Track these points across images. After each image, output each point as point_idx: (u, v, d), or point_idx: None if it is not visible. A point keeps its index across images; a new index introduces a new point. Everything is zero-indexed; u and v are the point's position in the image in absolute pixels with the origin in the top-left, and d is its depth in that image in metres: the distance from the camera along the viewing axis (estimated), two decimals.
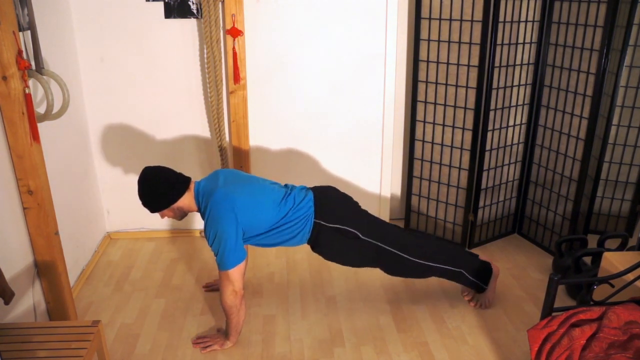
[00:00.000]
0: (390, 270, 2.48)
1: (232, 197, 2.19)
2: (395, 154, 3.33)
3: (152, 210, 2.28)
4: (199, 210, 2.29)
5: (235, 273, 2.18)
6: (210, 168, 3.17)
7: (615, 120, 3.01)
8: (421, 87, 3.01)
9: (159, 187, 2.23)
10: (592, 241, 2.84)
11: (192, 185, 2.30)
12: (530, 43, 2.89)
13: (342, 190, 3.28)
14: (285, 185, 2.43)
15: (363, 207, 2.46)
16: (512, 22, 2.76)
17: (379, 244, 2.36)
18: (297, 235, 2.33)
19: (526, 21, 2.82)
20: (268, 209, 2.27)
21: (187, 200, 2.27)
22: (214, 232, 2.16)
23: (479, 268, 2.55)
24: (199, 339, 2.36)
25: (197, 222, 3.30)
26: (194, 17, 2.87)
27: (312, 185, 2.49)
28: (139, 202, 2.27)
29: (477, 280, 2.54)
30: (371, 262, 2.45)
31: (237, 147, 3.05)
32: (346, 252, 2.39)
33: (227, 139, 3.08)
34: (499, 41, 2.75)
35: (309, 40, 2.97)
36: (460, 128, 2.93)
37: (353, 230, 2.33)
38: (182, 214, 2.33)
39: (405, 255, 2.39)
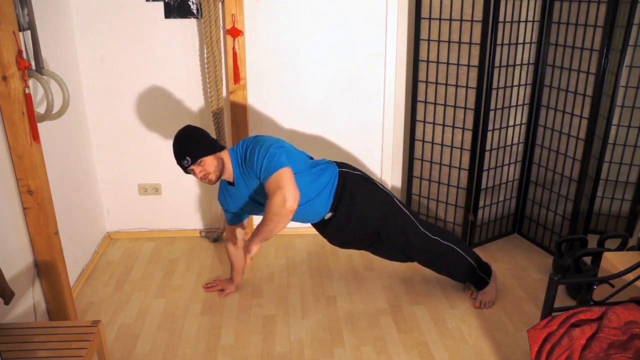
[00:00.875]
0: (396, 234, 2.45)
1: (276, 138, 2.30)
2: (395, 154, 3.33)
3: (193, 159, 2.20)
4: (240, 164, 2.26)
5: (285, 174, 2.10)
6: None
7: (615, 120, 3.01)
8: (421, 87, 3.01)
9: (199, 137, 2.25)
10: (592, 241, 2.84)
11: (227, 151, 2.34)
12: (530, 43, 2.89)
13: None
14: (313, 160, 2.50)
15: None
16: (512, 22, 2.76)
17: (392, 200, 2.44)
18: (325, 188, 2.32)
19: (526, 21, 2.82)
20: (304, 163, 2.34)
21: (226, 156, 2.28)
22: (261, 145, 2.18)
23: (477, 260, 2.58)
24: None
25: (197, 222, 3.30)
26: (194, 17, 2.87)
27: None
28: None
29: (482, 272, 2.57)
30: (381, 222, 2.42)
31: None
32: (369, 205, 2.38)
33: (227, 138, 3.08)
34: (499, 41, 2.75)
35: (309, 40, 2.97)
36: (460, 128, 2.93)
37: (374, 182, 2.43)
38: (220, 170, 2.26)
39: (420, 226, 2.46)
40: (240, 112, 2.98)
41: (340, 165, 2.44)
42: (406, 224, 2.45)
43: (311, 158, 2.47)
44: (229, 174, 2.32)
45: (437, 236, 2.50)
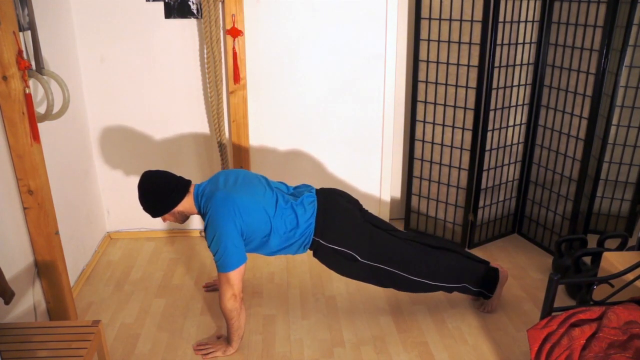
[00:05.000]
0: (390, 287, 2.46)
1: (232, 199, 2.15)
2: (395, 154, 3.33)
3: (153, 215, 2.26)
4: (199, 213, 2.27)
5: (235, 276, 2.14)
6: (210, 168, 3.17)
7: (615, 120, 3.01)
8: (421, 87, 3.01)
9: (158, 192, 2.21)
10: (592, 241, 2.84)
11: (192, 189, 2.27)
12: (530, 43, 2.89)
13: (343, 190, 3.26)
14: (294, 189, 2.38)
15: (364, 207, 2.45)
16: (512, 22, 2.76)
17: (379, 265, 2.33)
18: (296, 247, 2.30)
19: (526, 21, 2.82)
20: (269, 216, 2.21)
21: (187, 203, 2.24)
22: (212, 233, 2.14)
23: (484, 277, 2.50)
24: (200, 346, 2.33)
25: (197, 222, 3.30)
26: (194, 17, 2.87)
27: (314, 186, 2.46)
28: (139, 202, 2.27)
29: (482, 289, 2.51)
30: (370, 281, 2.42)
31: (237, 147, 3.05)
32: (343, 271, 2.38)
33: (227, 138, 3.09)
34: (499, 41, 2.75)
35: (309, 40, 2.97)
36: (460, 128, 2.93)
37: (351, 253, 2.29)
38: (183, 218, 2.31)
39: (407, 275, 2.36)
40: (240, 112, 2.98)
41: (319, 220, 2.26)
42: (396, 281, 2.39)
43: (290, 192, 2.36)
44: (195, 213, 2.31)
45: (434, 280, 2.39)
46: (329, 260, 2.35)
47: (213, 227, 2.14)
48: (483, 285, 2.51)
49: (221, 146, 3.02)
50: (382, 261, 2.32)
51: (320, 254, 2.33)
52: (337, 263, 2.34)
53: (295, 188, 2.40)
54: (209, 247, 2.18)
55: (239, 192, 2.20)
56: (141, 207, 2.25)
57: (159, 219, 3.25)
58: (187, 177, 2.35)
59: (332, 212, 2.30)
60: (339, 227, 2.29)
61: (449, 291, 2.48)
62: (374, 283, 2.43)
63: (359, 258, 2.30)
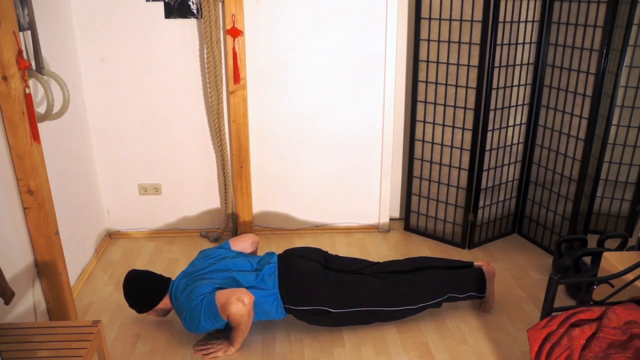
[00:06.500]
0: (375, 322, 2.45)
1: (197, 291, 2.25)
2: (395, 154, 3.33)
3: (139, 312, 2.39)
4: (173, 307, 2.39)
5: (221, 295, 2.21)
6: (209, 168, 3.17)
7: (615, 120, 3.01)
8: (421, 87, 3.01)
9: (142, 293, 2.36)
10: (592, 241, 2.84)
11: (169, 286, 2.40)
12: (530, 43, 2.89)
13: (343, 190, 3.27)
14: (257, 263, 2.43)
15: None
16: (512, 22, 2.76)
17: (355, 309, 2.33)
18: (276, 314, 2.33)
19: (526, 21, 2.82)
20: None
21: (167, 300, 2.38)
22: (196, 324, 2.23)
23: (469, 281, 2.48)
24: (200, 346, 2.34)
25: (197, 222, 3.30)
26: (194, 17, 2.87)
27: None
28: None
29: (470, 293, 2.48)
30: (354, 323, 2.43)
31: (236, 147, 3.05)
32: (324, 324, 2.40)
33: (227, 138, 3.09)
34: (499, 41, 2.75)
35: (309, 40, 2.97)
36: (460, 128, 2.93)
37: (323, 308, 2.32)
38: (164, 313, 2.42)
39: (386, 309, 2.37)
40: (240, 112, 2.98)
41: (282, 289, 2.31)
42: (378, 316, 2.41)
43: (254, 269, 2.40)
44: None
45: (416, 303, 2.39)
46: (306, 320, 2.38)
47: (192, 321, 2.24)
48: (470, 289, 2.48)
49: (221, 146, 3.02)
50: (356, 304, 2.34)
51: (297, 315, 2.38)
52: (314, 320, 2.37)
53: (259, 261, 2.44)
54: (189, 327, 2.27)
55: (203, 278, 2.32)
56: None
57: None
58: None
59: (293, 277, 2.35)
60: (300, 289, 2.34)
61: (437, 306, 2.47)
62: (359, 324, 2.45)
63: (332, 310, 2.32)
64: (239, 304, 2.16)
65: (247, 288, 2.28)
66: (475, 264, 2.56)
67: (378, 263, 2.54)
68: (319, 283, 2.35)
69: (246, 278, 2.33)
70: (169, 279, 2.41)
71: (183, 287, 2.32)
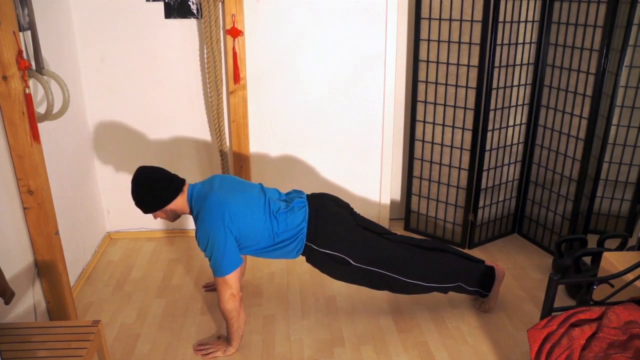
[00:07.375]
0: (384, 289, 2.45)
1: (225, 202, 2.15)
2: (395, 154, 3.33)
3: (145, 211, 2.25)
4: (191, 213, 2.26)
5: (232, 277, 2.15)
6: (209, 168, 3.17)
7: (615, 120, 3.01)
8: (421, 87, 3.01)
9: (152, 188, 2.20)
10: (592, 241, 2.84)
11: (186, 188, 2.26)
12: (530, 43, 2.89)
13: (342, 191, 3.27)
14: (286, 195, 2.38)
15: (362, 207, 2.44)
16: (512, 22, 2.76)
17: (372, 268, 2.32)
18: (289, 252, 2.29)
19: (526, 21, 2.82)
20: (261, 221, 2.21)
21: (180, 202, 2.23)
22: (206, 238, 2.13)
23: (480, 276, 2.49)
24: (200, 346, 2.33)
25: None
26: (194, 17, 2.87)
27: (310, 190, 2.44)
28: (132, 198, 2.26)
29: (478, 288, 2.50)
30: (364, 284, 2.42)
31: (236, 147, 3.05)
32: (337, 275, 2.38)
33: (227, 138, 3.09)
34: (499, 41, 2.75)
35: (309, 40, 2.97)
36: (460, 128, 2.93)
37: (344, 257, 2.29)
38: (174, 216, 2.30)
39: (401, 278, 2.35)
40: (240, 112, 2.98)
41: (311, 226, 2.25)
42: (390, 284, 2.38)
43: (282, 199, 2.34)
44: (187, 212, 2.29)
45: (429, 281, 2.39)
46: (322, 265, 2.34)
47: (206, 231, 2.14)
48: (478, 285, 2.50)
49: (221, 146, 3.02)
50: (375, 264, 2.32)
51: (313, 258, 2.32)
52: (330, 267, 2.34)
53: (287, 194, 2.40)
54: (203, 250, 2.17)
55: (232, 196, 2.20)
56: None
57: (155, 218, 3.26)
58: (186, 176, 2.35)
59: (324, 216, 2.29)
60: (331, 232, 2.29)
61: (444, 292, 2.47)
62: (368, 286, 2.43)
63: (352, 262, 2.29)
64: (233, 300, 2.16)
65: (276, 215, 2.22)
66: (486, 262, 2.56)
67: (397, 234, 2.51)
68: (349, 232, 2.31)
69: (277, 205, 2.26)
70: (184, 180, 2.27)
71: (211, 207, 2.13)
